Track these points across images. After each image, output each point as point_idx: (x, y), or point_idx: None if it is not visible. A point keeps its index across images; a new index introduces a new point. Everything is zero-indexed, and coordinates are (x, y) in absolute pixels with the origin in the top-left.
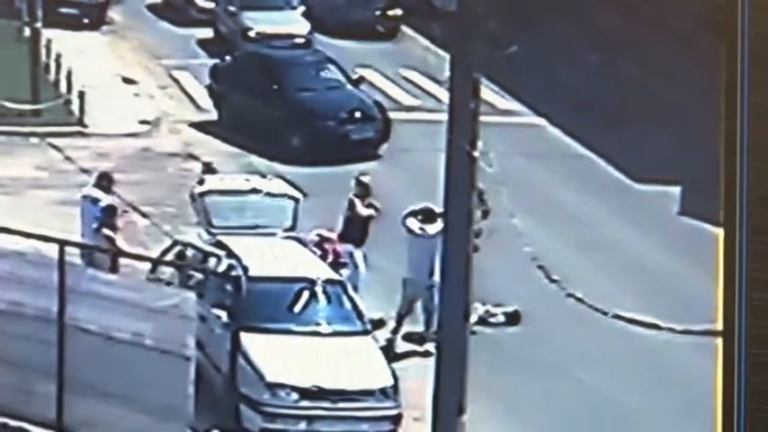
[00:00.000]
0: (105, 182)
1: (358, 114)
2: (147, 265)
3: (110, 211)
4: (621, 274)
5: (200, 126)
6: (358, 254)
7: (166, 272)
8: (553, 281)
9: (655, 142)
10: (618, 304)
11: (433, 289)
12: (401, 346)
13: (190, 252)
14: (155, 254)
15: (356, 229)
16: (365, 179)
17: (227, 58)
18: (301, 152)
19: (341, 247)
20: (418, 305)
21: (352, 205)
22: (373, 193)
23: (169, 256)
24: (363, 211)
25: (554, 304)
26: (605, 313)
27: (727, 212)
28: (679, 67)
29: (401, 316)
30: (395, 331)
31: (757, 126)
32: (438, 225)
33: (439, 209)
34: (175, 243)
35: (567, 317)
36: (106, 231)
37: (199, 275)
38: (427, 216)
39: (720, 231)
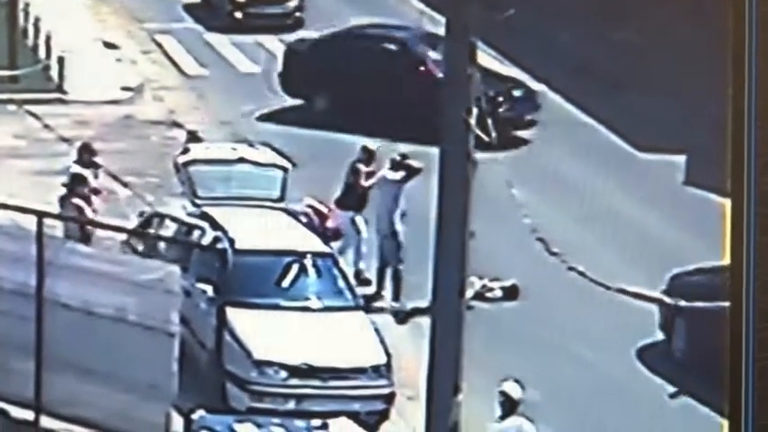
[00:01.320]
0: (86, 154)
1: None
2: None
3: (77, 180)
4: (625, 247)
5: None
6: (359, 219)
7: (144, 243)
8: (553, 254)
9: (659, 109)
10: (621, 278)
11: (397, 237)
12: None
13: (172, 224)
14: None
15: (356, 197)
16: (371, 146)
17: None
18: None
19: (336, 218)
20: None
21: (355, 172)
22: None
23: (150, 229)
24: (365, 182)
25: (554, 278)
26: (608, 287)
27: (734, 182)
28: (684, 29)
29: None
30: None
31: (766, 92)
32: (401, 172)
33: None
34: (156, 215)
35: (568, 291)
36: (76, 201)
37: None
38: (394, 165)
39: (727, 202)
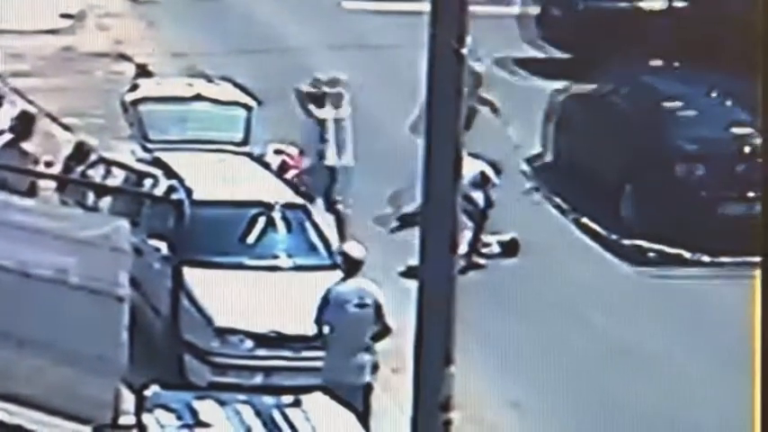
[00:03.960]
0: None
1: None
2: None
3: (26, 119)
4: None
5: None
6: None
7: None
8: (555, 205)
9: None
10: (635, 232)
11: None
12: None
13: (119, 172)
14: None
15: None
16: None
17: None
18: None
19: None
20: None
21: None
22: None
23: (97, 177)
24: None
25: (558, 232)
26: (620, 242)
27: (766, 128)
28: None
29: None
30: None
31: None
32: None
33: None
34: (100, 160)
35: (574, 247)
36: (25, 145)
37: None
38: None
39: None
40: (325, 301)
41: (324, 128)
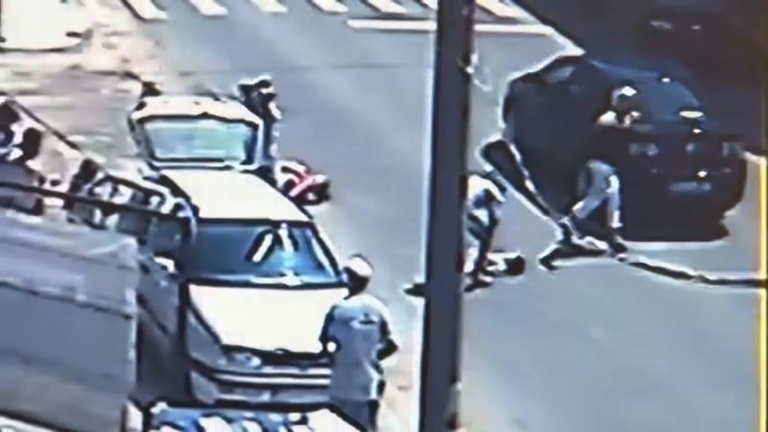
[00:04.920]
0: (7, 115)
1: None
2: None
3: (32, 137)
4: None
5: None
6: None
7: (86, 212)
8: (560, 223)
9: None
10: (639, 248)
11: None
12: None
13: (126, 190)
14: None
15: None
16: None
17: None
18: None
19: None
20: None
21: None
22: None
23: (104, 196)
24: None
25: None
26: (623, 260)
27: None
28: None
29: None
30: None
31: None
32: None
33: None
34: (107, 178)
35: (580, 265)
36: (30, 163)
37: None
38: None
39: (762, 160)
40: (331, 318)
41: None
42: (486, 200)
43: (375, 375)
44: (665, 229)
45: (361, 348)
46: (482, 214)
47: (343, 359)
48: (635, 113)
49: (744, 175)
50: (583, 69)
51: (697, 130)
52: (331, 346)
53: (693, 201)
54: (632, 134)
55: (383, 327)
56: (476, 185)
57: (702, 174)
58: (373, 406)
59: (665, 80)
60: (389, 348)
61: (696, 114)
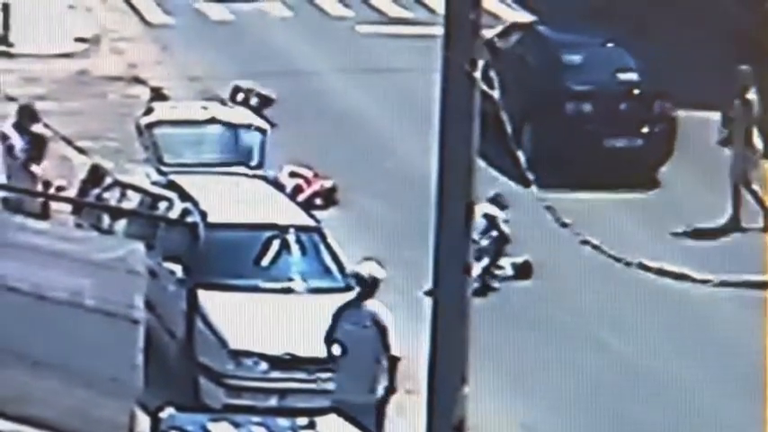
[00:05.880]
0: (27, 117)
1: None
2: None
3: (38, 142)
4: (647, 216)
5: None
6: None
7: (94, 216)
8: (564, 225)
9: (689, 58)
10: (644, 252)
11: None
12: None
13: (134, 195)
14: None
15: None
16: None
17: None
18: None
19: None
20: None
21: None
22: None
23: (112, 201)
24: None
25: (569, 253)
26: (628, 263)
27: None
28: None
29: None
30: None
31: None
32: None
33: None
34: (115, 183)
35: (586, 268)
36: (35, 168)
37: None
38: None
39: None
40: (335, 322)
41: None
42: (490, 226)
43: (381, 378)
44: (601, 180)
45: (363, 351)
46: (489, 240)
47: (347, 362)
48: None
49: (674, 132)
50: (531, 35)
51: (631, 91)
52: (336, 349)
53: (626, 155)
54: (569, 93)
55: (384, 333)
56: (477, 214)
57: (634, 130)
58: (381, 410)
59: (609, 45)
60: (392, 361)
61: (631, 76)
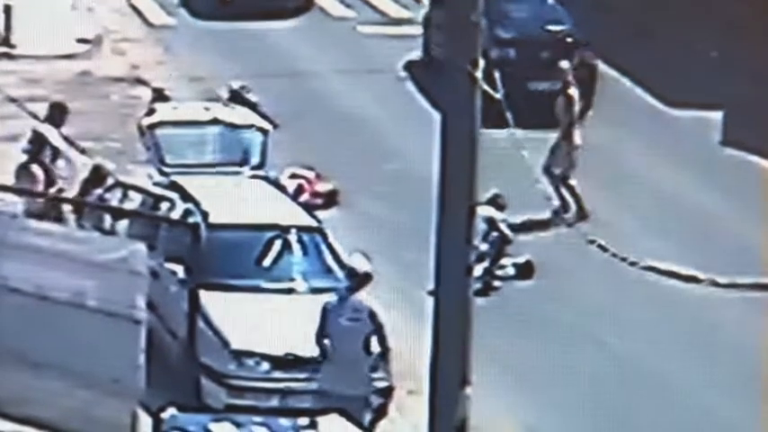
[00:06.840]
0: (57, 113)
1: None
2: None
3: (38, 142)
4: (653, 216)
5: None
6: None
7: (96, 217)
8: (570, 225)
9: (692, 58)
10: (649, 252)
11: None
12: None
13: (136, 196)
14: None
15: None
16: None
17: None
18: None
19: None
20: None
21: None
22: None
23: (114, 201)
24: None
25: (573, 253)
26: (634, 264)
27: None
28: None
29: None
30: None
31: None
32: None
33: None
34: (117, 184)
35: (590, 268)
36: (34, 168)
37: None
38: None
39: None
40: (324, 316)
41: None
42: (490, 229)
43: (370, 371)
44: (525, 119)
45: (350, 344)
46: (490, 244)
47: (334, 354)
48: None
49: (594, 78)
50: None
51: (555, 40)
52: (327, 344)
53: (548, 97)
54: (495, 40)
55: (372, 318)
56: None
57: (556, 74)
58: (380, 408)
59: (550, 2)
60: (384, 351)
61: (558, 28)
